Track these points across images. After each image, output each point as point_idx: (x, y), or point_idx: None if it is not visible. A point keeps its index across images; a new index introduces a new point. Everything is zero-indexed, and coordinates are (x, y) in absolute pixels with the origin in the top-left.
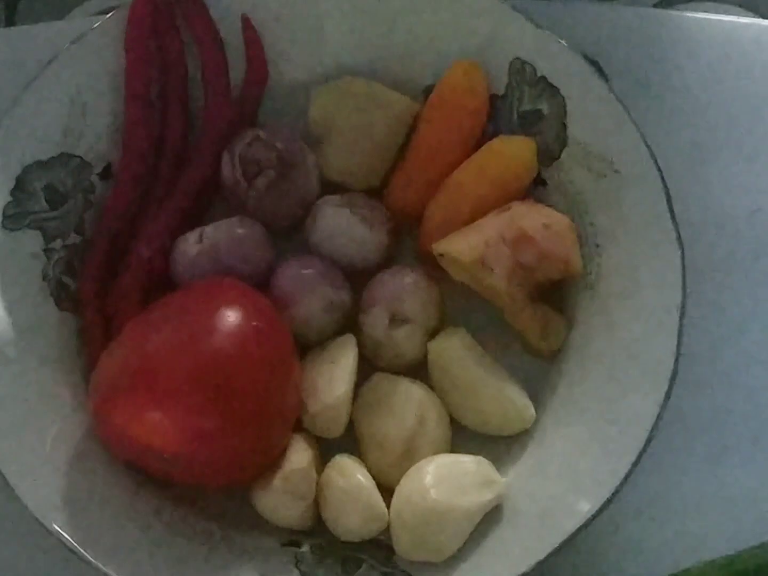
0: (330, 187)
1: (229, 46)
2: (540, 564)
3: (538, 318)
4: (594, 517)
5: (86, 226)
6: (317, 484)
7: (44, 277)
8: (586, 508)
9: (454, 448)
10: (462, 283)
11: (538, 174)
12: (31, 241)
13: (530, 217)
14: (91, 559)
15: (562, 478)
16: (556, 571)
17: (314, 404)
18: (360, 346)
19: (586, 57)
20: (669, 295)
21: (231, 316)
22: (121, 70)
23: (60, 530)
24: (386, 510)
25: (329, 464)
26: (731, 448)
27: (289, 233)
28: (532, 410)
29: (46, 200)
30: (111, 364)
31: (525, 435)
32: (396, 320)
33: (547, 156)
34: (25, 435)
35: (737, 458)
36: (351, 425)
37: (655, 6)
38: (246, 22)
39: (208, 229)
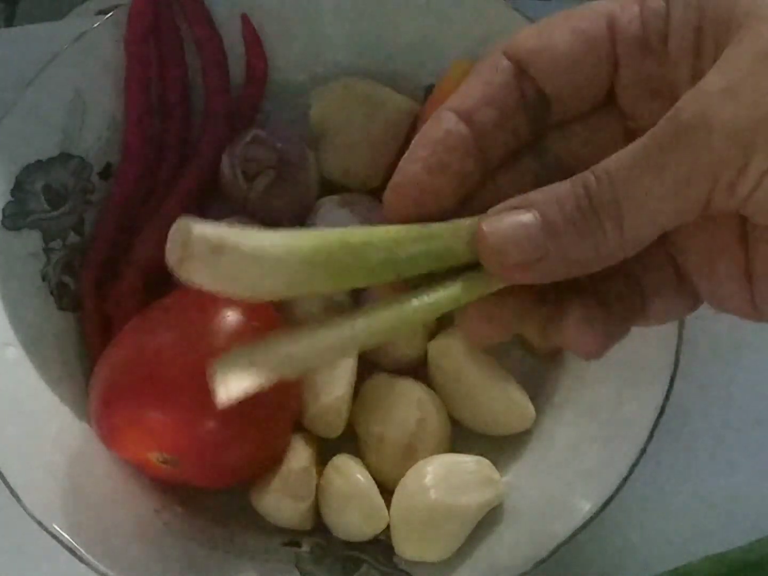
0: (330, 187)
1: (229, 46)
2: (540, 564)
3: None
4: (594, 517)
5: (86, 226)
6: (317, 484)
7: (44, 277)
8: (586, 508)
9: (454, 448)
10: None
11: None
12: (31, 241)
13: None
14: (90, 559)
15: (562, 478)
16: (554, 569)
17: (314, 404)
18: None
19: None
20: None
21: (231, 316)
22: (121, 71)
23: (60, 530)
24: (386, 510)
25: (329, 464)
26: (730, 449)
27: None
28: (532, 410)
29: (46, 200)
30: (111, 364)
31: (525, 435)
32: None
33: None
34: (25, 435)
35: (735, 460)
36: (351, 425)
37: None
38: (246, 22)
39: None
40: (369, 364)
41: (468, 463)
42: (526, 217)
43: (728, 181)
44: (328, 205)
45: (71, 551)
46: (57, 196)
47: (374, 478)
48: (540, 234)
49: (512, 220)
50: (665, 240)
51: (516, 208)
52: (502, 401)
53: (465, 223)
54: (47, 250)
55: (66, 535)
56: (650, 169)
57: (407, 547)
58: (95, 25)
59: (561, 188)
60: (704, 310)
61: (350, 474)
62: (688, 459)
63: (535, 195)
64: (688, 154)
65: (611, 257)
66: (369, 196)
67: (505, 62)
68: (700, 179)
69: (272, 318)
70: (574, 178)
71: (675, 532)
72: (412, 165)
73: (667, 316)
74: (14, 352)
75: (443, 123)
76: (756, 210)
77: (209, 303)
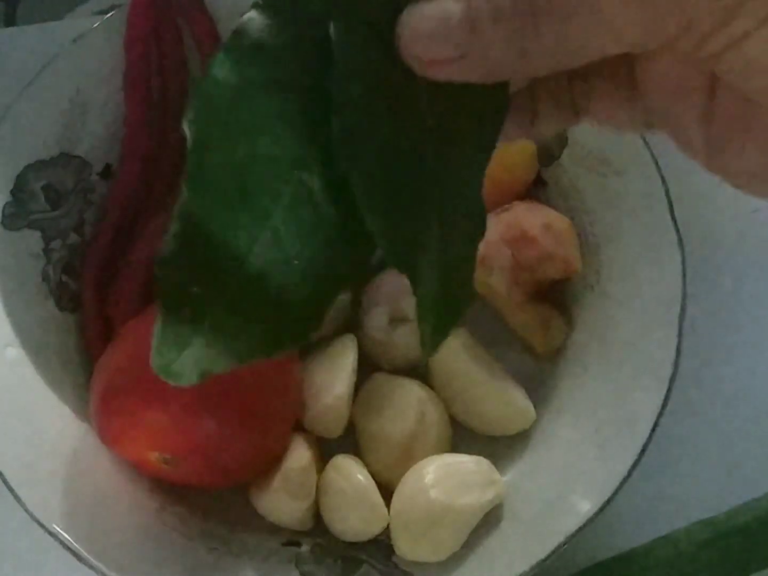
0: None
1: None
2: (540, 564)
3: (537, 318)
4: (594, 517)
5: (86, 226)
6: (317, 484)
7: (44, 277)
8: (586, 508)
9: (454, 448)
10: None
11: (538, 174)
12: (31, 241)
13: (530, 217)
14: (91, 559)
15: (562, 478)
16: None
17: (314, 404)
18: (360, 346)
19: None
20: (669, 295)
21: None
22: (121, 70)
23: (60, 531)
24: (386, 510)
25: (329, 464)
26: (729, 450)
27: None
28: (532, 410)
29: (46, 200)
30: (111, 365)
31: (525, 435)
32: (396, 320)
33: (547, 156)
34: (25, 436)
35: (735, 464)
36: (351, 425)
37: None
38: None
39: None
40: (369, 364)
41: (468, 463)
42: (452, 4)
43: (702, 33)
44: None
45: (71, 551)
46: (57, 196)
47: (374, 478)
48: (461, 29)
49: (434, 9)
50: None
51: None
52: (502, 401)
53: None
54: (47, 250)
55: (66, 535)
56: None
57: (407, 547)
58: (95, 25)
59: None
60: (705, 309)
61: (350, 474)
62: (684, 460)
63: None
64: None
65: (541, 66)
66: None
67: None
68: (673, 20)
69: None
70: None
71: (665, 498)
72: None
73: (608, 121)
74: (14, 352)
75: None
76: (724, 70)
77: None
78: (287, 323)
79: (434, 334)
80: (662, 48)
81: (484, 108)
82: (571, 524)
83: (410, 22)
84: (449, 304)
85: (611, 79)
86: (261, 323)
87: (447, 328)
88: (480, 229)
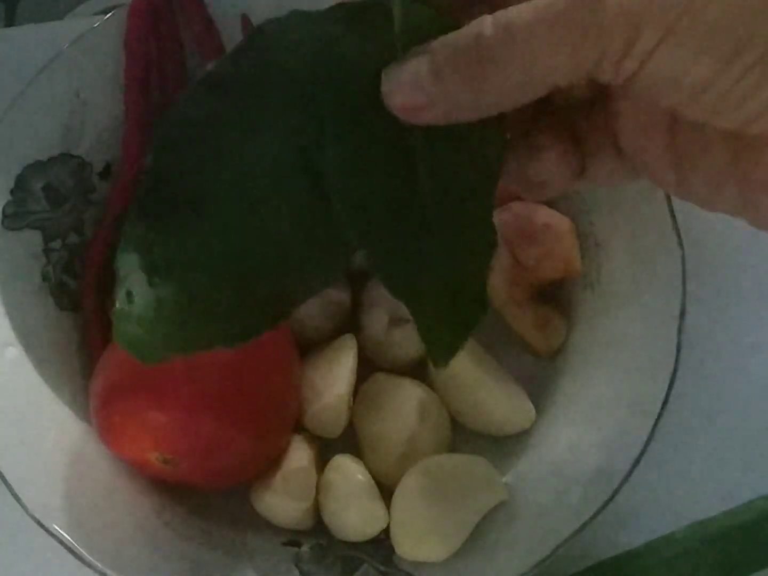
0: None
1: (229, 46)
2: (540, 564)
3: (537, 318)
4: (594, 517)
5: (86, 226)
6: (317, 484)
7: (44, 277)
8: (586, 508)
9: (454, 448)
10: None
11: None
12: (31, 241)
13: (530, 217)
14: (90, 559)
15: (562, 478)
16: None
17: (314, 404)
18: (360, 346)
19: None
20: (669, 295)
21: None
22: (121, 70)
23: (60, 530)
24: (386, 510)
25: (329, 464)
26: (729, 450)
27: None
28: (532, 410)
29: (46, 200)
30: (111, 365)
31: (525, 435)
32: (396, 320)
33: None
34: (25, 435)
35: (735, 464)
36: (351, 425)
37: None
38: (246, 22)
39: None
40: (369, 364)
41: (468, 463)
42: (421, 62)
43: (616, 55)
44: None
45: (71, 551)
46: (57, 196)
47: (374, 478)
48: (428, 80)
49: (408, 65)
50: (605, 105)
51: (420, 53)
52: (502, 401)
53: None
54: (47, 250)
55: (66, 535)
56: (547, 31)
57: (407, 547)
58: (95, 25)
59: (458, 33)
60: (705, 309)
61: (350, 474)
62: (685, 461)
63: (438, 39)
64: (581, 26)
65: (494, 105)
66: None
67: None
68: (589, 49)
69: None
70: (473, 22)
71: (665, 498)
72: None
73: (603, 179)
74: (14, 352)
75: None
76: (642, 89)
77: None
78: (254, 311)
79: (447, 348)
80: (605, 82)
81: (482, 146)
82: (571, 524)
83: (390, 78)
84: (459, 321)
85: (598, 135)
86: (227, 308)
87: (459, 342)
88: (491, 250)
